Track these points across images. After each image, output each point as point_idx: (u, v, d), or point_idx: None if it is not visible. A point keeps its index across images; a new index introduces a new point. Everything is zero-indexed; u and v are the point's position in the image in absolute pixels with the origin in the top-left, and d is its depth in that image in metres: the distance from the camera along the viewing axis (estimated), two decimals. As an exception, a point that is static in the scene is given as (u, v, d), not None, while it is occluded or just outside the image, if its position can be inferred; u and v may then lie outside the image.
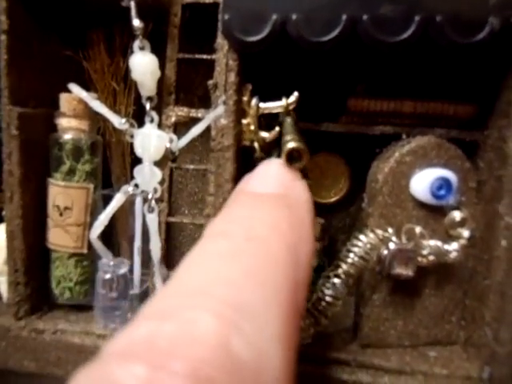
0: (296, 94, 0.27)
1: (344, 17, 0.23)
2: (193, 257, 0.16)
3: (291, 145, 0.25)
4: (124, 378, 0.11)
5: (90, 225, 0.30)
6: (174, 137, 0.29)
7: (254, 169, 0.28)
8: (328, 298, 0.25)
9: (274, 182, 0.20)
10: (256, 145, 0.28)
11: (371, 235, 0.26)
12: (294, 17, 0.23)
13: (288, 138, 0.26)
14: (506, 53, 0.24)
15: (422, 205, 0.26)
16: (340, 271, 0.25)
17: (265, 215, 0.18)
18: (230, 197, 0.20)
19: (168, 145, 0.28)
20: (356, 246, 0.26)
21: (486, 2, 0.22)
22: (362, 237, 0.26)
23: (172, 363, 0.11)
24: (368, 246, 0.25)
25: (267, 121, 0.28)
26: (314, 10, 0.23)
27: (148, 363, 0.11)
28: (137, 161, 0.30)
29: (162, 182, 0.29)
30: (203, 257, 0.15)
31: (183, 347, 0.11)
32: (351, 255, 0.25)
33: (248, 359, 0.12)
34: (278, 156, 0.28)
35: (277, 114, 0.28)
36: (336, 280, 0.25)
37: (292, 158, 0.27)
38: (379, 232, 0.26)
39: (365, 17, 0.23)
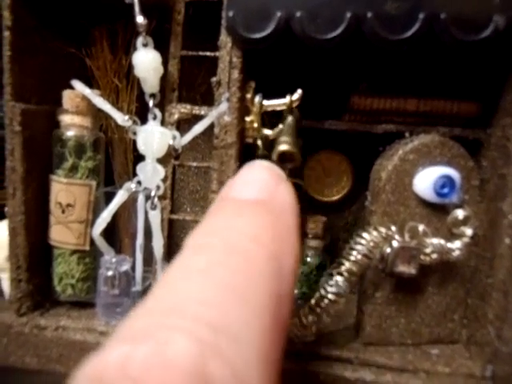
0: (299, 91, 0.27)
1: (348, 14, 0.23)
2: (170, 273, 0.15)
3: (283, 147, 0.25)
4: None
5: (93, 222, 0.30)
6: (177, 134, 0.28)
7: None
8: (331, 296, 0.25)
9: (257, 186, 0.19)
10: (259, 142, 0.28)
11: (374, 233, 0.26)
12: (298, 14, 0.23)
13: (282, 139, 0.26)
14: (510, 51, 0.24)
15: (425, 203, 0.26)
16: (343, 269, 0.25)
17: (246, 225, 0.17)
18: (212, 204, 0.19)
19: (171, 142, 0.28)
20: (359, 243, 0.25)
21: (491, 0, 0.22)
22: (364, 234, 0.26)
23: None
24: (371, 243, 0.25)
25: (270, 118, 0.28)
26: (318, 7, 0.23)
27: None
28: (139, 158, 0.30)
29: (164, 180, 0.29)
30: (180, 273, 0.15)
31: (155, 373, 0.11)
32: (354, 253, 0.25)
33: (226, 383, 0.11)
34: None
35: (280, 112, 0.28)
36: (339, 278, 0.25)
37: (284, 159, 0.27)
38: (382, 230, 0.26)
39: (369, 14, 0.23)
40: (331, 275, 0.26)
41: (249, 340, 0.13)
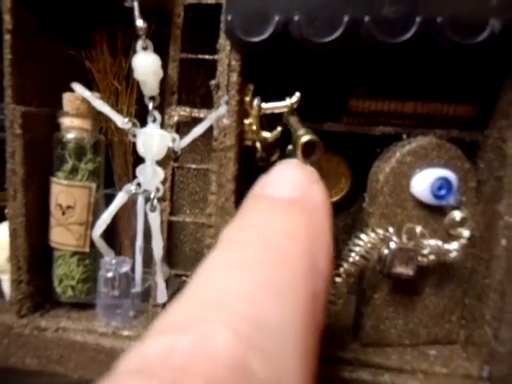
0: (298, 94, 0.27)
1: (346, 18, 0.23)
2: (207, 267, 0.15)
3: (306, 138, 0.24)
4: None
5: (92, 223, 0.30)
6: (177, 136, 0.29)
7: (255, 169, 0.28)
8: (329, 297, 0.26)
9: (291, 185, 0.19)
10: (258, 145, 0.28)
11: (372, 234, 0.26)
12: (296, 18, 0.24)
13: (301, 132, 0.26)
14: (507, 54, 0.24)
15: (422, 204, 0.27)
16: (341, 270, 0.26)
17: (281, 222, 0.17)
18: (244, 200, 0.19)
19: (170, 144, 0.28)
20: (357, 245, 0.26)
21: (487, 4, 0.23)
22: (362, 236, 0.26)
23: (186, 381, 0.11)
24: (369, 245, 0.26)
25: (269, 121, 0.28)
26: (316, 11, 0.24)
27: (162, 381, 0.11)
28: (138, 160, 0.30)
29: (164, 182, 0.29)
30: (218, 267, 0.15)
31: (198, 364, 0.11)
32: (352, 254, 0.26)
33: (265, 377, 0.11)
34: (280, 157, 0.28)
35: (278, 115, 0.28)
36: (337, 279, 0.26)
37: (307, 152, 0.27)
38: (380, 231, 0.26)
39: (366, 18, 0.23)
40: (329, 276, 0.26)
41: (286, 335, 0.13)
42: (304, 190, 0.19)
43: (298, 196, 0.19)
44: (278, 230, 0.17)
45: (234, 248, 0.16)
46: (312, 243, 0.17)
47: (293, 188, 0.19)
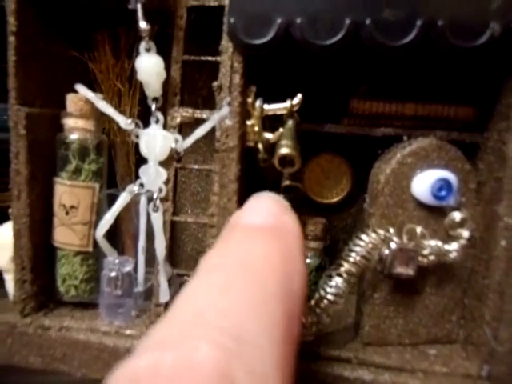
0: (300, 95, 0.27)
1: (347, 21, 0.24)
2: (190, 288, 0.16)
3: (284, 151, 0.26)
4: None
5: (96, 223, 0.30)
6: (179, 137, 0.29)
7: (257, 170, 0.29)
8: (330, 297, 0.26)
9: (265, 214, 0.20)
10: (260, 146, 0.28)
11: (373, 235, 0.26)
12: (298, 20, 0.24)
13: (283, 142, 0.27)
14: (507, 57, 0.25)
15: (422, 205, 0.27)
16: (342, 270, 0.26)
17: (258, 248, 0.18)
18: (222, 231, 0.20)
19: (173, 145, 0.29)
20: (358, 245, 0.26)
21: (487, 7, 0.23)
22: (363, 236, 0.26)
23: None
24: (369, 245, 0.26)
25: (271, 122, 0.28)
26: (317, 13, 0.24)
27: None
28: (141, 160, 0.30)
29: (166, 182, 0.29)
30: (200, 288, 0.16)
31: (184, 374, 0.12)
32: (353, 254, 0.26)
33: None
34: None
35: (281, 116, 0.28)
36: (338, 279, 0.26)
37: (285, 163, 0.27)
38: (381, 232, 0.26)
39: (368, 21, 0.23)
40: (330, 276, 0.26)
41: (265, 348, 0.14)
42: (277, 218, 0.20)
43: (271, 223, 0.20)
44: (254, 254, 0.18)
45: (214, 272, 0.17)
46: (286, 266, 0.18)
47: (267, 216, 0.20)
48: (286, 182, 0.30)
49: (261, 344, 0.14)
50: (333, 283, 0.26)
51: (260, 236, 0.19)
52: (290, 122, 0.28)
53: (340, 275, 0.26)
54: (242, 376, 0.12)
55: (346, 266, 0.26)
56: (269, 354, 0.14)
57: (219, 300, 0.15)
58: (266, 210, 0.21)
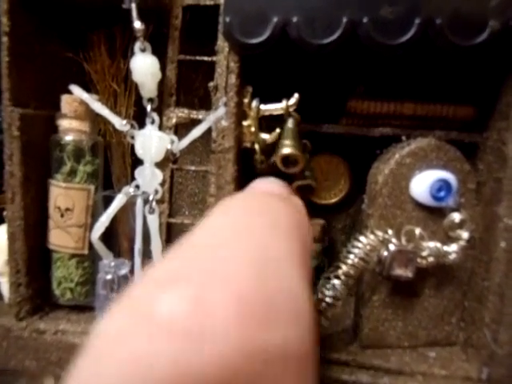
0: (296, 96, 0.27)
1: (344, 19, 0.23)
2: (207, 225, 0.17)
3: (285, 151, 0.26)
4: (171, 300, 0.12)
5: (91, 226, 0.30)
6: (175, 138, 0.29)
7: (254, 170, 0.28)
8: (328, 299, 0.25)
9: (277, 187, 0.23)
10: (256, 146, 0.28)
11: (371, 236, 0.26)
12: (294, 19, 0.23)
13: (285, 142, 0.27)
14: (506, 55, 0.24)
15: (421, 206, 0.27)
16: (340, 272, 0.26)
17: (274, 200, 0.20)
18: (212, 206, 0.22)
19: (169, 146, 0.28)
20: (356, 247, 0.26)
21: (486, 5, 0.23)
22: (362, 238, 0.26)
23: (215, 284, 0.12)
24: (368, 247, 0.26)
25: (268, 123, 0.28)
26: (314, 12, 0.23)
27: (194, 284, 0.12)
28: (137, 162, 0.30)
29: (162, 183, 0.29)
30: (220, 224, 0.17)
31: (223, 276, 0.12)
32: (351, 256, 0.26)
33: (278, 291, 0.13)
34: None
35: (277, 116, 0.28)
36: (336, 281, 0.26)
37: (288, 162, 0.27)
38: (379, 233, 0.26)
39: (365, 19, 0.23)
40: (328, 278, 0.26)
41: (288, 263, 0.15)
42: (289, 193, 0.23)
43: (284, 193, 0.23)
44: (272, 202, 0.20)
45: (234, 211, 0.18)
46: (300, 219, 0.20)
47: (278, 188, 0.23)
48: (298, 182, 0.29)
49: (285, 264, 0.15)
50: (331, 285, 0.26)
51: (275, 196, 0.20)
52: (290, 122, 0.28)
53: (338, 277, 0.26)
54: (276, 284, 0.13)
55: (344, 268, 0.26)
56: (293, 268, 0.15)
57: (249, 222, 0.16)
58: (278, 184, 0.24)
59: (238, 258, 0.14)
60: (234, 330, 0.11)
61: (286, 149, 0.26)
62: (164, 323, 0.11)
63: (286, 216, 0.18)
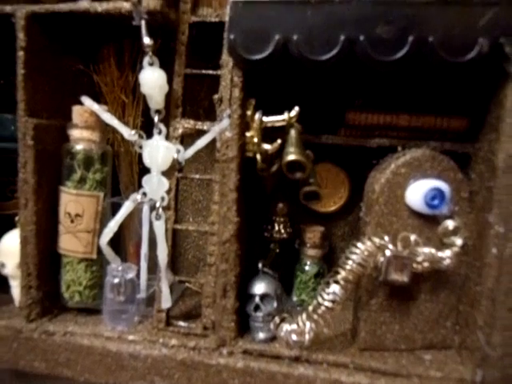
0: (297, 108, 0.28)
1: (342, 37, 0.25)
2: None
3: (291, 157, 0.27)
4: None
5: (100, 231, 0.31)
6: (181, 148, 0.30)
7: (256, 180, 0.29)
8: (327, 303, 0.26)
9: None
10: (258, 156, 0.29)
11: (368, 243, 0.27)
12: (295, 37, 0.25)
13: (289, 149, 0.28)
14: (496, 71, 0.26)
15: (416, 214, 0.28)
16: (339, 277, 0.27)
17: None
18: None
19: (175, 155, 0.30)
20: (354, 253, 0.27)
21: (476, 24, 0.24)
22: (359, 244, 0.27)
23: None
24: (365, 253, 0.27)
25: (270, 133, 0.29)
26: (314, 30, 0.25)
27: None
28: (144, 170, 0.31)
29: (168, 191, 0.30)
30: None
31: None
32: (349, 262, 0.27)
33: None
34: (280, 167, 0.29)
35: (279, 127, 0.29)
36: (335, 286, 0.26)
37: (294, 169, 0.28)
38: (376, 240, 0.27)
39: (361, 37, 0.24)
40: (328, 283, 0.27)
41: None
42: None
43: None
44: None
45: None
46: None
47: None
48: (306, 189, 0.30)
49: None
50: (330, 290, 0.27)
51: None
52: (293, 131, 0.29)
53: (337, 282, 0.27)
54: None
55: (342, 274, 0.27)
56: None
57: None
58: None
59: None
60: None
61: (291, 155, 0.27)
62: None
63: None
